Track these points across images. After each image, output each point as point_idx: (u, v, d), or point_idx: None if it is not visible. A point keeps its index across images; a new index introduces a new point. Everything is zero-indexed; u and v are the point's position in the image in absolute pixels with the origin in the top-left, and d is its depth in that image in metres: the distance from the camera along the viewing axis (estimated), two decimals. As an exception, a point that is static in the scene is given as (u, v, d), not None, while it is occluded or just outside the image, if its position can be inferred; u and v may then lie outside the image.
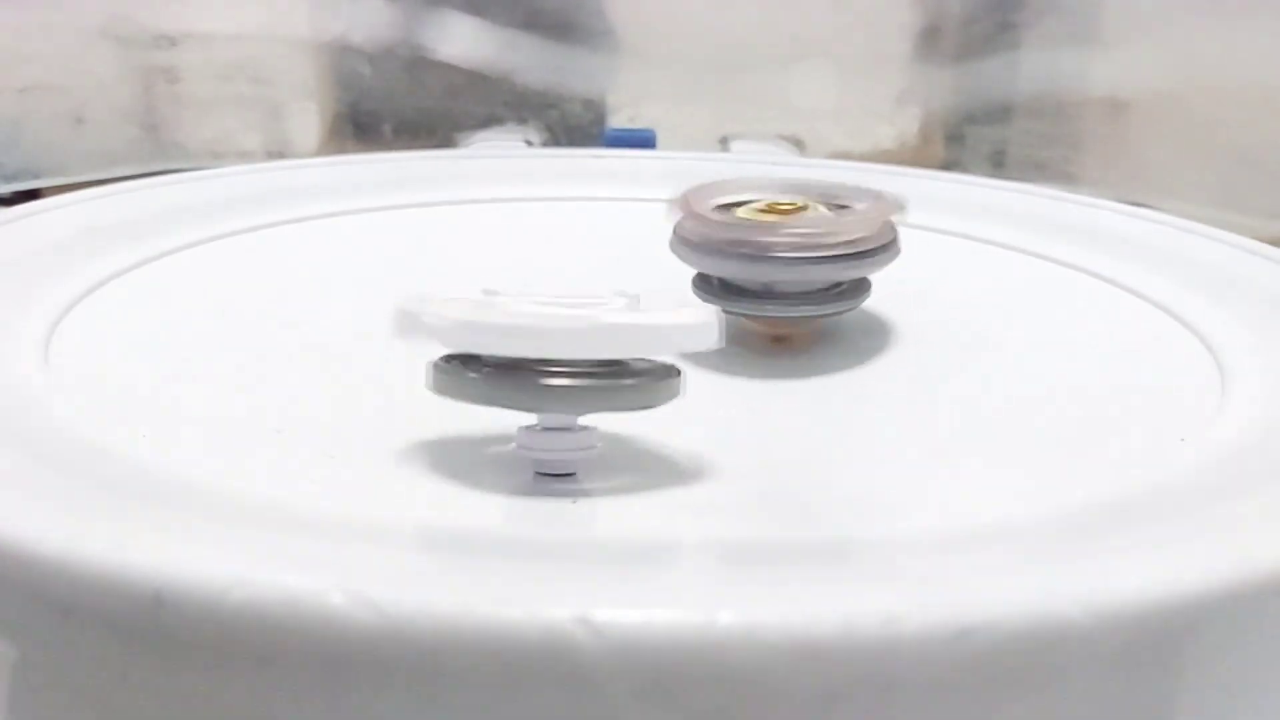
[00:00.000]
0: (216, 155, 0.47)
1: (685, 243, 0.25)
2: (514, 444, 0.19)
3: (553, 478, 0.19)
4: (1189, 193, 0.44)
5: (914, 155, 0.48)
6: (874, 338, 0.27)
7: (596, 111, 0.48)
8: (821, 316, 0.25)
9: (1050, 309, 0.29)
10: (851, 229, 0.24)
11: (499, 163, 0.41)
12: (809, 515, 0.19)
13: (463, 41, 0.47)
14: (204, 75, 0.46)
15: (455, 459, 0.20)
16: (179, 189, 0.34)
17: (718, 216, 0.25)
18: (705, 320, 0.19)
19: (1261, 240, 0.31)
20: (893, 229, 0.25)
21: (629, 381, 0.18)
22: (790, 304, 0.25)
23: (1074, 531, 0.17)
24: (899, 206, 0.25)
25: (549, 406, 0.18)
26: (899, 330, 0.27)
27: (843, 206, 0.26)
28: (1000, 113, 0.48)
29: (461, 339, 0.18)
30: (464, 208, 0.35)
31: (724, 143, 0.48)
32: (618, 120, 0.48)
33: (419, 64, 0.47)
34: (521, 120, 0.48)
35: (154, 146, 0.47)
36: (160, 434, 0.20)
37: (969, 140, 0.49)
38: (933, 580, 0.15)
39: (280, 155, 0.48)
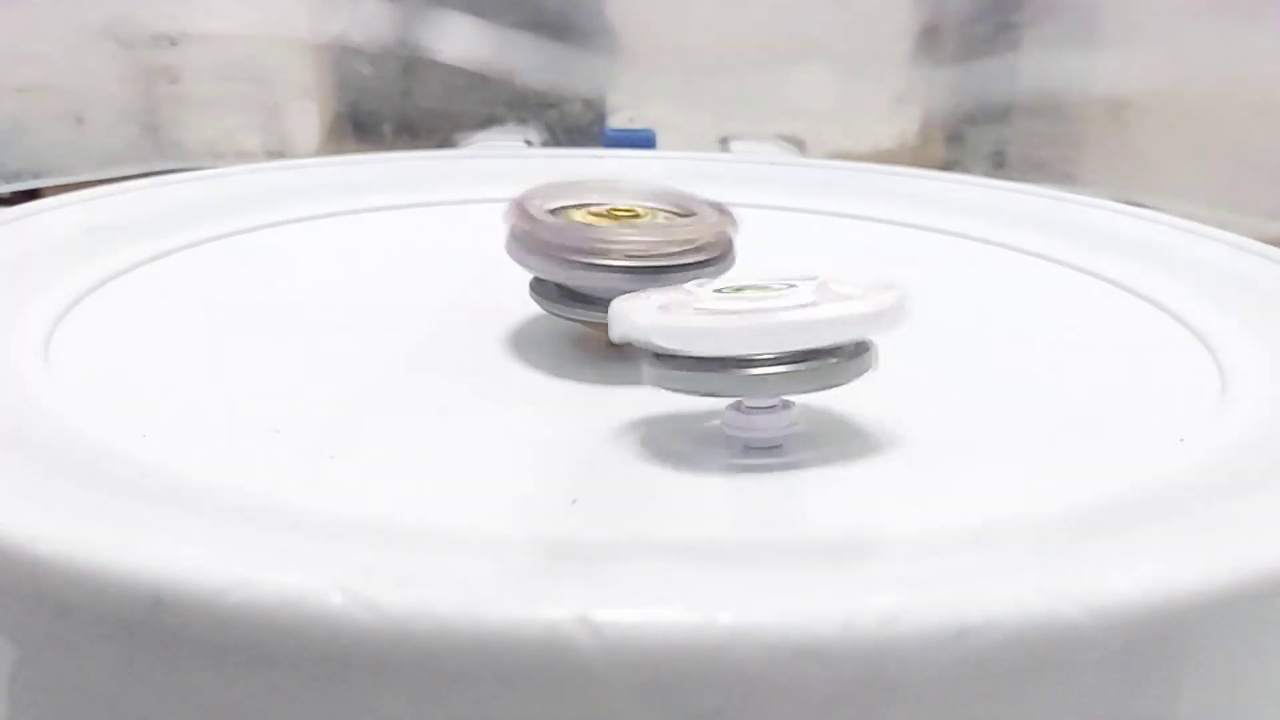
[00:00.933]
0: (216, 155, 0.47)
1: (522, 247, 0.24)
2: (720, 422, 0.21)
3: (761, 451, 0.20)
4: (1189, 193, 0.44)
5: (914, 155, 0.48)
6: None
7: (596, 111, 0.48)
8: None
9: (1050, 309, 0.29)
10: (686, 236, 0.24)
11: (499, 163, 0.41)
12: (808, 515, 0.19)
13: (462, 42, 0.47)
14: (204, 75, 0.46)
15: (454, 459, 0.20)
16: (179, 189, 0.34)
17: (552, 220, 0.24)
18: (895, 303, 0.20)
19: (1261, 240, 0.31)
20: (729, 241, 0.24)
21: (831, 361, 0.20)
22: None
23: (1073, 531, 0.17)
24: (733, 220, 0.24)
25: (759, 393, 0.20)
26: (895, 331, 0.27)
27: (678, 215, 0.25)
28: (1000, 113, 0.48)
29: (678, 342, 0.20)
30: (464, 208, 0.35)
31: (724, 143, 0.48)
32: (617, 120, 0.48)
33: (419, 64, 0.47)
34: (521, 120, 0.48)
35: (154, 146, 0.47)
36: (160, 434, 0.20)
37: (969, 140, 0.49)
38: (932, 580, 0.15)
39: (280, 155, 0.48)
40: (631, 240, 0.23)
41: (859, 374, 0.20)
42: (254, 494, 0.18)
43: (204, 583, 0.14)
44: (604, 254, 0.23)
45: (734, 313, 0.19)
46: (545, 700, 0.13)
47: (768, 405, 0.20)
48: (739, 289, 0.21)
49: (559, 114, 0.48)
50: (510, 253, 0.24)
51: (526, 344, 0.26)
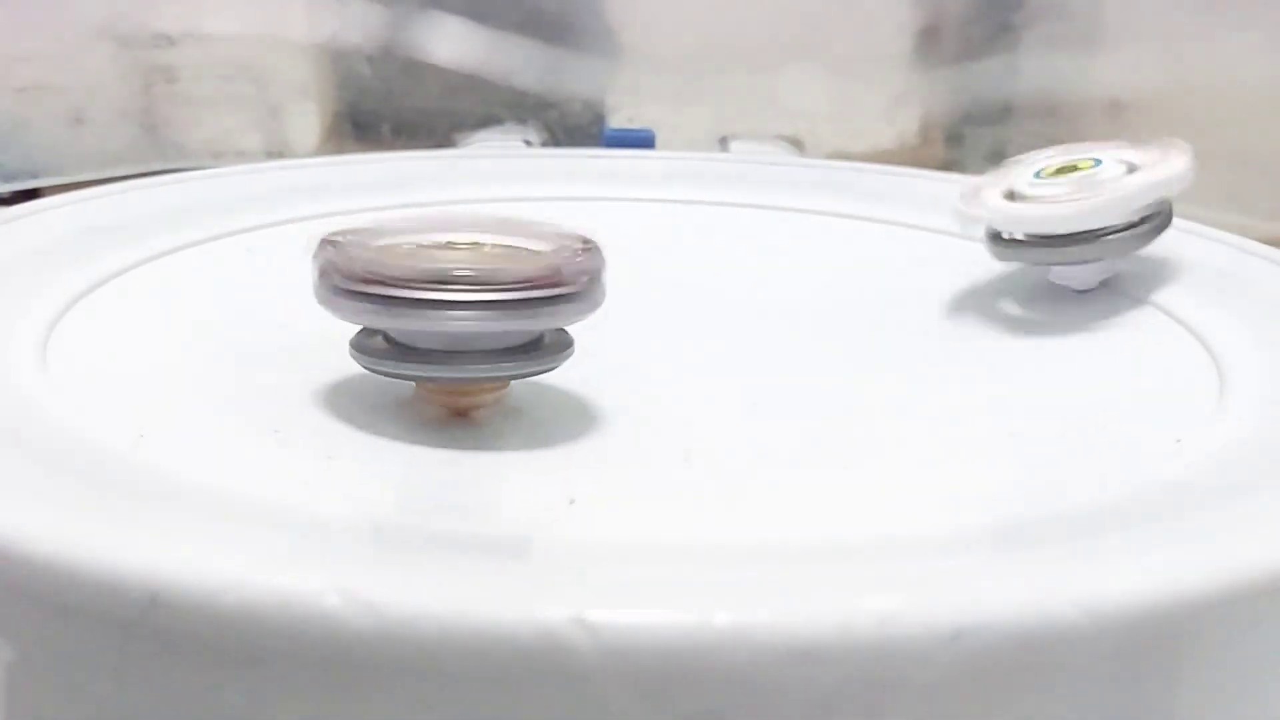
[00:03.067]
0: (216, 155, 0.47)
1: (333, 289, 0.20)
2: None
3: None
4: (1189, 192, 0.44)
5: (913, 155, 0.48)
6: (867, 338, 0.27)
7: (595, 111, 0.48)
8: (518, 377, 0.20)
9: (1049, 309, 0.29)
10: (552, 267, 0.20)
11: (498, 163, 0.41)
12: (804, 516, 0.19)
13: (461, 44, 0.47)
14: (203, 75, 0.46)
15: (452, 460, 0.20)
16: (178, 189, 0.34)
17: (379, 256, 0.20)
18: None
19: (1261, 240, 0.31)
20: (597, 273, 0.20)
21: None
22: (477, 363, 0.20)
23: (1071, 532, 0.17)
24: (589, 246, 0.21)
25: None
26: (895, 331, 0.27)
27: (520, 248, 0.21)
28: (1000, 113, 0.48)
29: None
30: (463, 208, 0.35)
31: (723, 143, 0.48)
32: (617, 120, 0.48)
33: (418, 64, 0.47)
34: (520, 120, 0.48)
35: (153, 146, 0.47)
36: (158, 434, 0.20)
37: (968, 140, 0.49)
38: (929, 581, 0.15)
39: (279, 155, 0.48)
40: (431, 268, 0.19)
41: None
42: (251, 494, 0.18)
43: (200, 583, 0.14)
44: (442, 285, 0.19)
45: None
46: (541, 701, 0.13)
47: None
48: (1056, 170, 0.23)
49: (558, 114, 0.48)
50: (323, 301, 0.20)
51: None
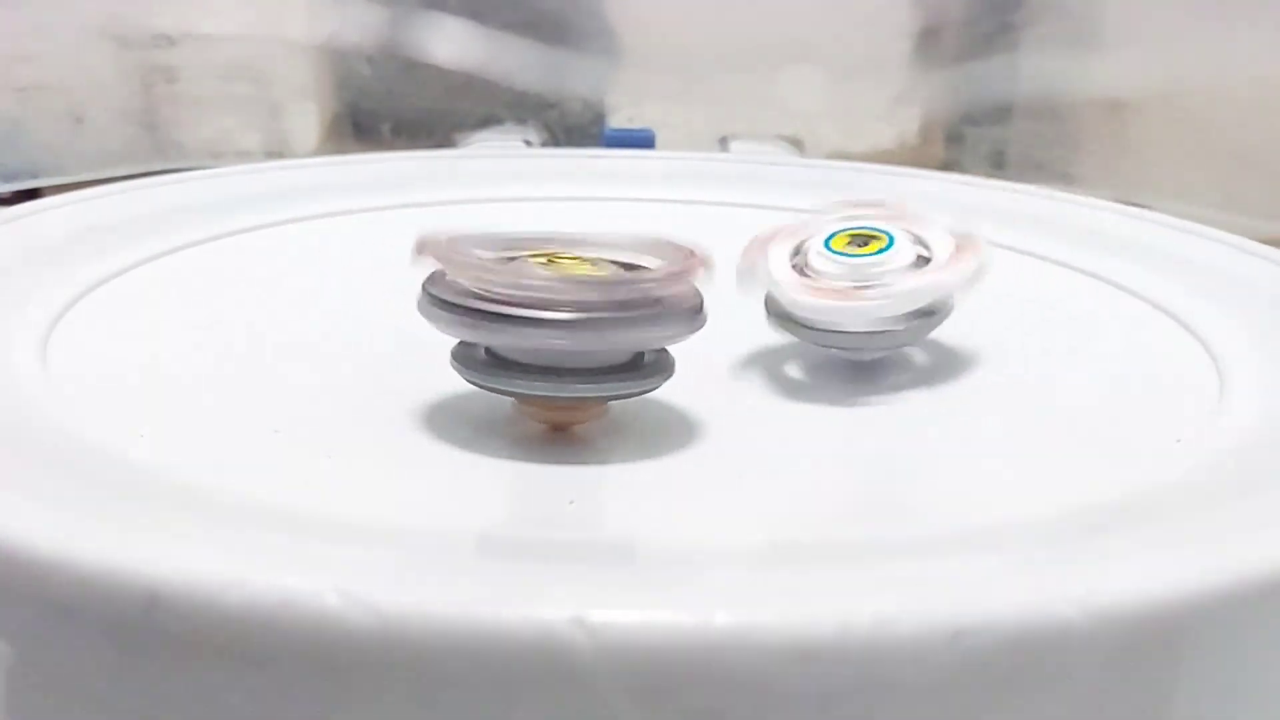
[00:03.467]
0: (215, 155, 0.47)
1: (436, 301, 0.20)
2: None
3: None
4: (1189, 193, 0.44)
5: (913, 155, 0.48)
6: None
7: (595, 111, 0.48)
8: (615, 398, 0.20)
9: (1048, 309, 0.29)
10: (652, 288, 0.20)
11: (498, 163, 0.41)
12: (803, 517, 0.19)
13: (461, 44, 0.47)
14: (203, 75, 0.46)
15: (451, 460, 0.20)
16: (178, 189, 0.34)
17: (479, 269, 0.20)
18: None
19: (1261, 240, 0.31)
20: (698, 292, 0.20)
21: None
22: (577, 381, 0.20)
23: (1071, 532, 0.17)
24: (705, 266, 0.20)
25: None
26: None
27: (635, 266, 0.21)
28: (999, 113, 0.48)
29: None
30: (463, 208, 0.35)
31: (723, 143, 0.48)
32: (617, 120, 0.48)
33: (418, 64, 0.47)
34: (520, 120, 0.48)
35: (153, 146, 0.47)
36: (157, 434, 0.20)
37: (968, 141, 0.49)
38: (928, 581, 0.15)
39: (279, 155, 0.48)
40: (540, 284, 0.19)
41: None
42: (251, 494, 0.18)
43: (200, 583, 0.14)
44: (565, 308, 0.19)
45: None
46: (540, 701, 0.13)
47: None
48: (848, 240, 0.23)
49: (558, 114, 0.48)
50: (424, 313, 0.20)
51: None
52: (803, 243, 0.23)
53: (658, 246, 0.21)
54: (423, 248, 0.20)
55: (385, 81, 0.47)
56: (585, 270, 0.20)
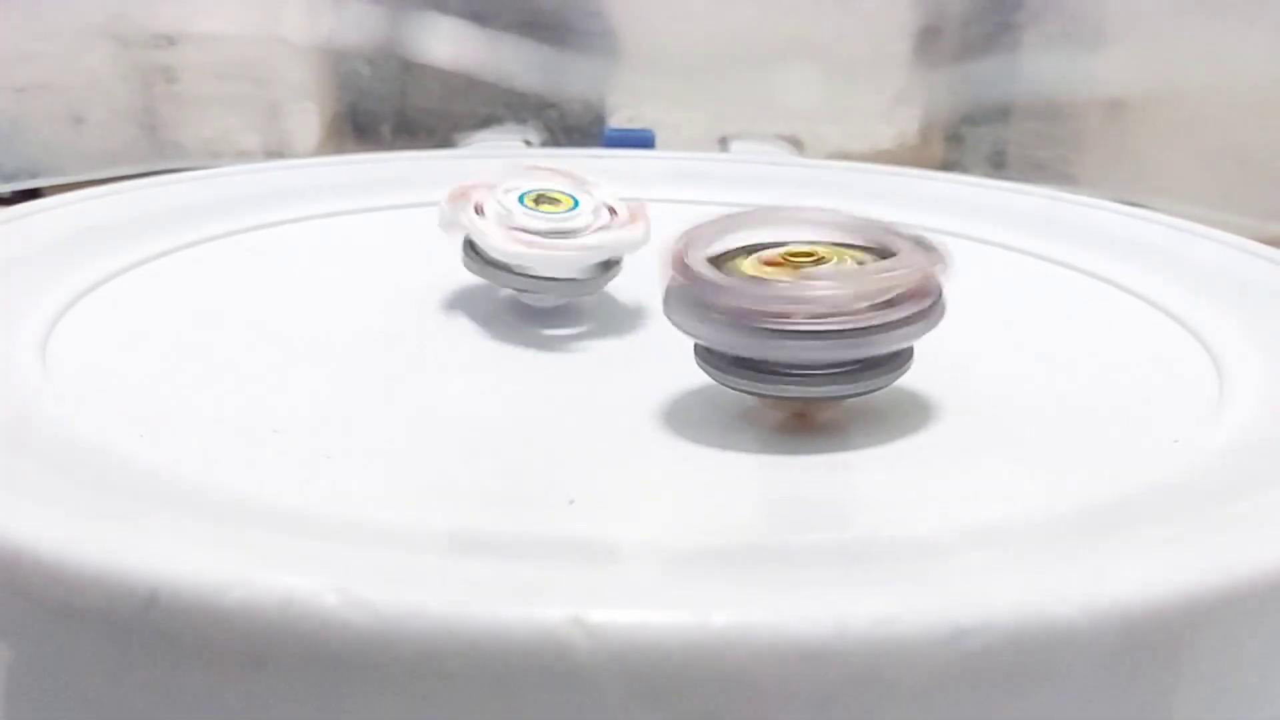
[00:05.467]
0: (215, 155, 0.47)
1: (679, 309, 0.21)
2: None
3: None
4: (1188, 193, 0.44)
5: (913, 155, 0.48)
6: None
7: (595, 111, 0.48)
8: (851, 396, 0.21)
9: (1047, 309, 0.29)
10: (885, 286, 0.20)
11: (498, 163, 0.41)
12: (802, 517, 0.19)
13: (461, 45, 0.47)
14: (203, 75, 0.46)
15: (450, 460, 0.20)
16: (178, 189, 0.34)
17: (715, 277, 0.20)
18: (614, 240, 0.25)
19: (1261, 240, 0.31)
20: (936, 285, 0.20)
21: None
22: (811, 383, 0.20)
23: (1070, 532, 0.17)
24: (942, 258, 0.20)
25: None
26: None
27: (868, 251, 0.21)
28: (999, 113, 0.48)
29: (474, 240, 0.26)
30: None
31: (723, 143, 0.48)
32: (617, 120, 0.48)
33: (418, 65, 0.47)
34: (520, 120, 0.48)
35: (153, 146, 0.47)
36: (157, 434, 0.20)
37: (968, 140, 0.49)
38: (927, 581, 0.15)
39: (279, 155, 0.48)
40: (819, 296, 0.19)
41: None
42: (250, 494, 0.18)
43: (199, 582, 0.14)
44: (786, 316, 0.19)
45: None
46: (539, 701, 0.13)
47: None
48: (536, 199, 0.25)
49: (558, 114, 0.48)
50: (669, 315, 0.21)
51: (522, 341, 0.26)
52: (499, 197, 0.26)
53: (893, 237, 0.21)
54: (666, 264, 0.21)
55: (385, 82, 0.47)
56: (830, 266, 0.21)
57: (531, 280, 0.25)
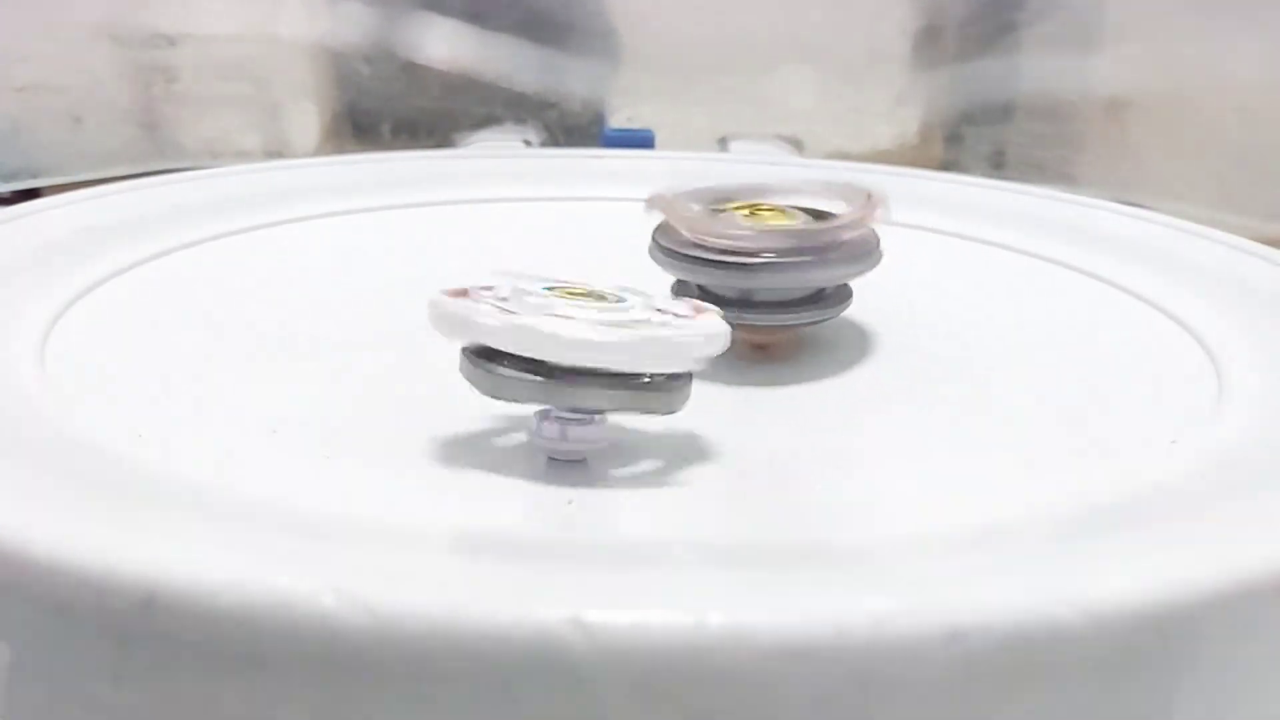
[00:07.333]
0: (215, 155, 0.47)
1: (662, 249, 0.24)
2: (526, 432, 0.20)
3: (563, 463, 0.20)
4: (1188, 193, 0.44)
5: (913, 156, 0.48)
6: (863, 340, 0.27)
7: (595, 111, 0.48)
8: (802, 325, 0.25)
9: (1047, 310, 0.29)
10: (832, 234, 0.24)
11: (498, 163, 0.41)
12: (800, 517, 0.19)
13: (461, 45, 0.47)
14: (202, 75, 0.46)
15: (449, 460, 0.20)
16: (177, 188, 0.34)
17: (695, 222, 0.24)
18: (721, 329, 0.20)
19: (1260, 240, 0.31)
20: (875, 234, 0.25)
21: (647, 382, 0.19)
22: (770, 312, 0.24)
23: (1067, 533, 0.17)
24: (882, 207, 0.24)
25: (573, 404, 0.19)
26: (891, 331, 0.27)
27: (825, 213, 0.25)
28: (999, 113, 0.48)
29: (514, 343, 0.19)
30: (462, 208, 0.35)
31: (723, 143, 0.48)
32: (617, 120, 0.48)
33: (417, 64, 0.47)
34: (520, 120, 0.48)
35: (152, 146, 0.47)
36: (155, 434, 0.20)
37: (968, 141, 0.49)
38: (924, 582, 0.15)
39: (278, 155, 0.48)
40: (782, 235, 0.23)
41: (681, 404, 0.19)
42: (248, 494, 0.18)
43: (197, 583, 0.14)
44: (761, 253, 0.23)
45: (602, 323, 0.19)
46: (537, 702, 0.13)
47: (578, 417, 0.19)
48: (571, 292, 0.20)
49: (558, 114, 0.48)
50: (654, 256, 0.24)
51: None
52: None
53: (843, 190, 0.25)
54: (652, 203, 0.24)
55: (385, 81, 0.47)
56: (781, 220, 0.24)
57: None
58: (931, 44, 0.48)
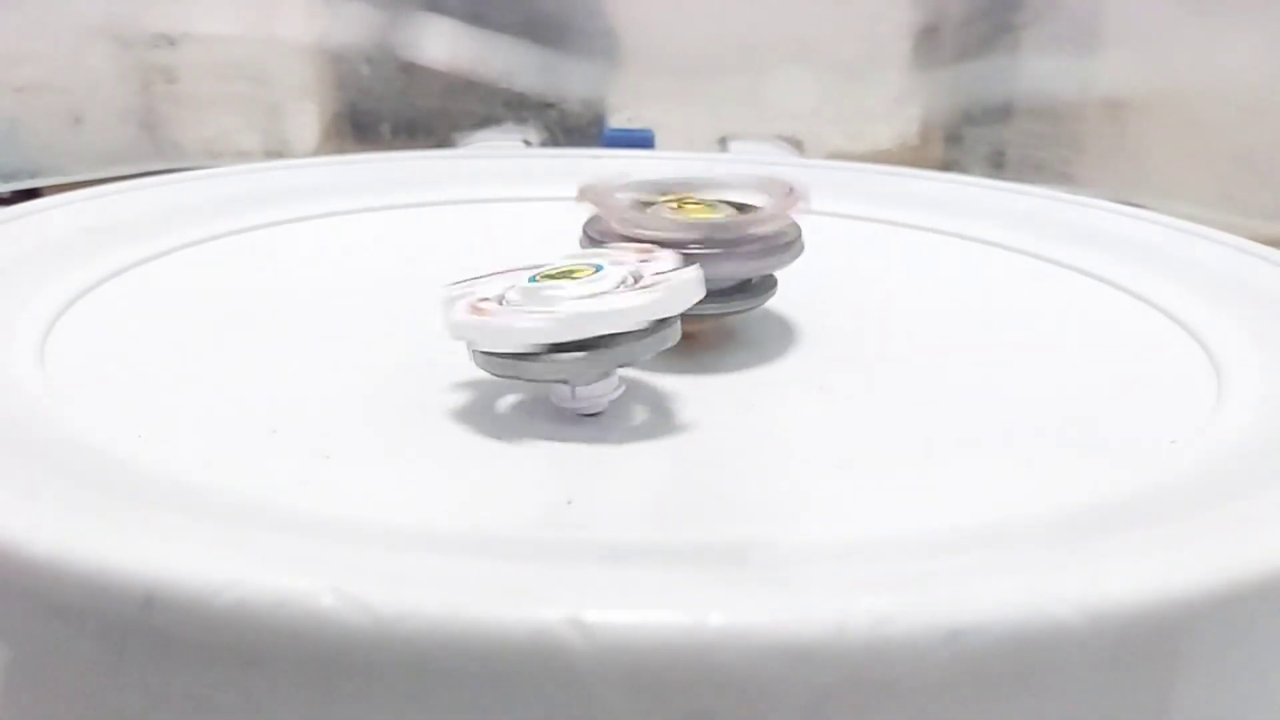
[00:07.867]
0: (215, 155, 0.47)
1: (591, 239, 0.25)
2: (552, 396, 0.22)
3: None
4: (1188, 193, 0.44)
5: (913, 156, 0.48)
6: (863, 339, 0.27)
7: (595, 112, 0.48)
8: (728, 314, 0.25)
9: (1047, 309, 0.29)
10: (749, 227, 0.24)
11: (498, 163, 0.41)
12: (797, 518, 0.19)
13: (461, 45, 0.47)
14: (202, 75, 0.46)
15: (448, 460, 0.20)
16: (177, 188, 0.34)
17: (623, 214, 0.25)
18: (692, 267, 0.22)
19: (1260, 240, 0.31)
20: (796, 226, 0.25)
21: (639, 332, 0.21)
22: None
23: (1066, 533, 0.17)
24: (802, 201, 0.25)
25: (624, 361, 0.21)
26: (892, 331, 0.27)
27: (749, 207, 0.26)
28: (999, 113, 0.48)
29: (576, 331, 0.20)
30: (462, 208, 0.35)
31: (723, 143, 0.48)
32: (617, 120, 0.48)
33: (417, 64, 0.47)
34: (520, 120, 0.48)
35: (152, 146, 0.47)
36: (155, 434, 0.20)
37: (968, 141, 0.49)
38: (924, 582, 0.15)
39: (278, 155, 0.48)
40: (707, 230, 0.24)
41: (674, 340, 0.21)
42: (248, 494, 0.18)
43: (196, 583, 0.14)
44: (688, 244, 0.23)
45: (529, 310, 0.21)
46: (536, 701, 0.13)
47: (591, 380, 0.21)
48: (554, 274, 0.22)
49: (558, 114, 0.48)
50: (584, 246, 0.25)
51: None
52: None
53: (768, 184, 0.26)
54: (583, 194, 0.25)
55: (385, 82, 0.47)
56: (705, 213, 0.25)
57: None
58: (931, 44, 0.48)
